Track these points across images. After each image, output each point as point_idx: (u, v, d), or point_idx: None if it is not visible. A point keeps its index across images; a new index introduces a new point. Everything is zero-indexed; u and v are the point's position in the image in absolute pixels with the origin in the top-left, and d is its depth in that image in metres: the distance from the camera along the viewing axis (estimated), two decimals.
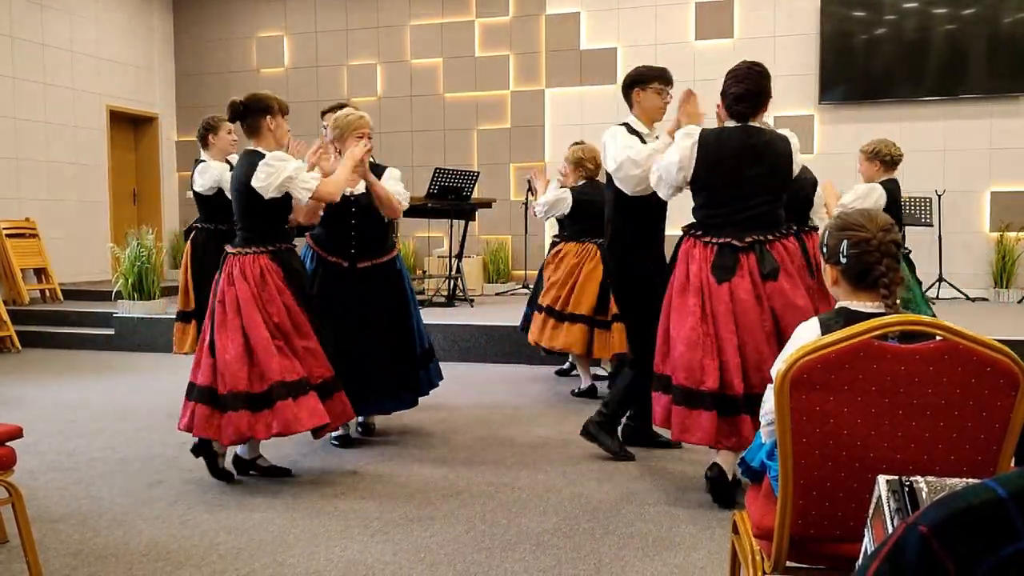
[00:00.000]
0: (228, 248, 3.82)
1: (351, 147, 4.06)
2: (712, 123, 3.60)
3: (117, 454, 4.26)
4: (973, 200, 8.77)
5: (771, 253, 3.32)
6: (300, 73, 10.80)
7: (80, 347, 7.86)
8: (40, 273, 9.16)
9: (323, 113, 4.86)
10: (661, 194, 3.60)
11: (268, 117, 3.78)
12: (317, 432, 3.73)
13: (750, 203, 3.35)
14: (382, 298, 4.28)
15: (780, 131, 3.50)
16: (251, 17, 11.01)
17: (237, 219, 3.84)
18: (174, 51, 11.37)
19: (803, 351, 1.73)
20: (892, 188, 4.85)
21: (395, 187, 4.26)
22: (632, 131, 3.98)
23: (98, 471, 3.96)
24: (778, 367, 1.78)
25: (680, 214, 4.68)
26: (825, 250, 2.06)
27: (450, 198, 7.88)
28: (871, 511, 1.47)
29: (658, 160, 3.59)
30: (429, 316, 7.12)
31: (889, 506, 1.39)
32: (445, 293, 8.37)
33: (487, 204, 8.72)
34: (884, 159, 4.89)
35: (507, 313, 7.13)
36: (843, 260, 1.98)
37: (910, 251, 5.13)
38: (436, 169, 7.84)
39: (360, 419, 4.53)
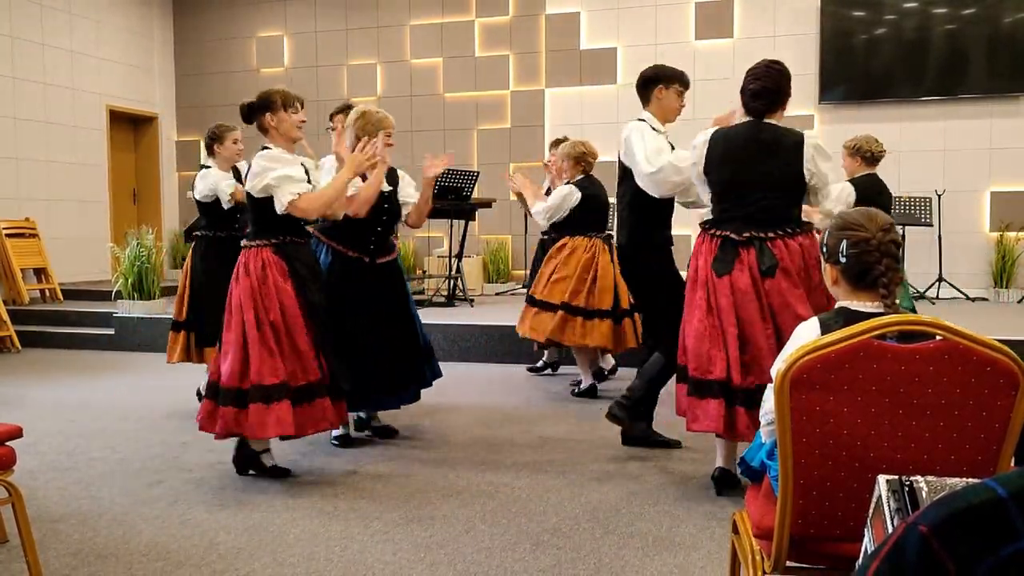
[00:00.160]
0: (242, 242, 3.84)
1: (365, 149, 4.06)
2: None
3: (117, 454, 4.26)
4: (973, 200, 8.77)
5: (771, 250, 3.32)
6: (300, 73, 10.80)
7: (80, 347, 7.86)
8: (40, 273, 9.16)
9: (332, 115, 4.78)
10: (702, 195, 3.65)
11: (268, 114, 3.74)
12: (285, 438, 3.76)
13: (753, 198, 3.37)
14: (395, 294, 4.33)
15: (799, 131, 3.45)
16: (251, 17, 11.01)
17: (248, 212, 3.87)
18: (174, 51, 11.37)
19: (803, 351, 1.73)
20: (869, 184, 4.87)
21: (413, 195, 4.36)
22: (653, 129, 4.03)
23: (98, 471, 3.96)
24: (778, 367, 1.78)
25: (684, 214, 4.69)
26: (825, 250, 2.06)
27: (450, 198, 7.88)
28: (871, 511, 1.47)
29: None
30: (429, 316, 7.12)
31: (889, 506, 1.39)
32: (445, 293, 8.37)
33: (487, 204, 8.72)
34: (865, 155, 4.95)
35: (507, 313, 7.13)
36: (843, 260, 1.98)
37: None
38: None
39: (363, 416, 4.52)
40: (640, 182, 3.91)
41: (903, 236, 7.36)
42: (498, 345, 6.71)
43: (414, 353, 4.35)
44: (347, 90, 10.53)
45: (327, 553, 2.95)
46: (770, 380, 3.34)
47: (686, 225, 6.20)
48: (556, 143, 6.09)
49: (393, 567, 2.83)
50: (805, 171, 3.37)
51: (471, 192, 8.09)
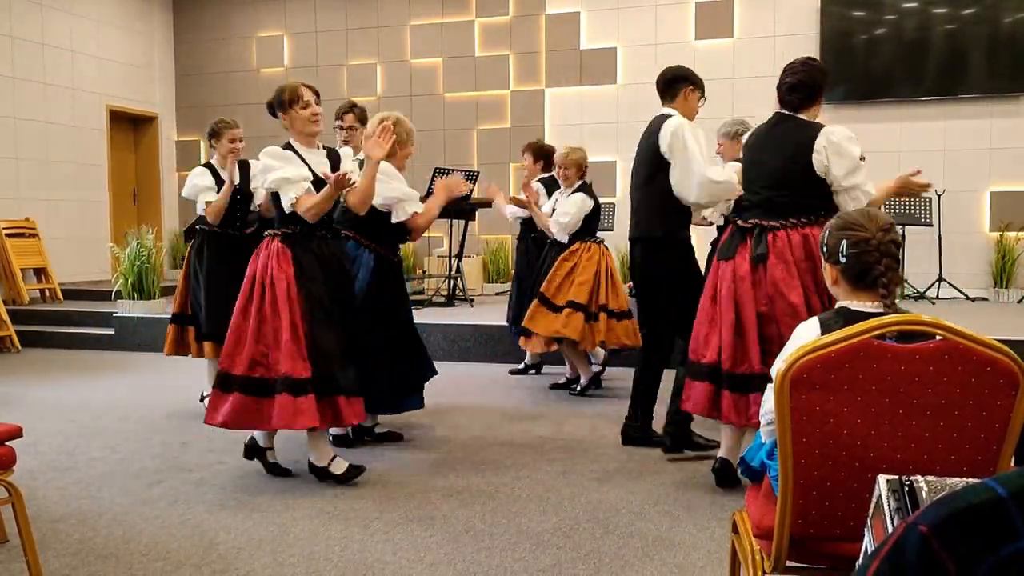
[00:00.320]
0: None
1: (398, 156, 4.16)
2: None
3: (117, 454, 4.26)
4: (973, 200, 8.77)
5: (765, 239, 3.38)
6: (300, 73, 10.78)
7: (80, 347, 7.86)
8: (40, 273, 9.16)
9: (342, 114, 4.72)
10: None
11: (280, 113, 3.74)
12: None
13: (759, 187, 3.48)
14: (405, 293, 4.40)
15: (821, 125, 3.45)
16: (251, 17, 11.01)
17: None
18: (174, 51, 11.37)
19: (803, 351, 1.73)
20: None
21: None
22: None
23: (98, 471, 3.96)
24: (778, 367, 1.78)
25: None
26: (825, 249, 2.06)
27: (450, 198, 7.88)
28: (871, 511, 1.47)
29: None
30: (429, 316, 7.13)
31: (889, 506, 1.39)
32: (445, 293, 8.37)
33: (487, 204, 8.70)
34: None
35: (507, 313, 7.12)
36: (842, 259, 1.98)
37: None
38: (436, 169, 7.85)
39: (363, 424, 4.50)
40: (692, 183, 3.92)
41: (903, 236, 7.36)
42: (498, 345, 6.71)
43: (422, 352, 4.38)
44: (347, 90, 10.52)
45: (327, 553, 2.95)
46: (758, 369, 3.39)
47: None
48: (531, 147, 6.09)
49: (393, 567, 2.83)
50: (816, 165, 3.35)
51: (471, 192, 8.09)
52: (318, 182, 3.65)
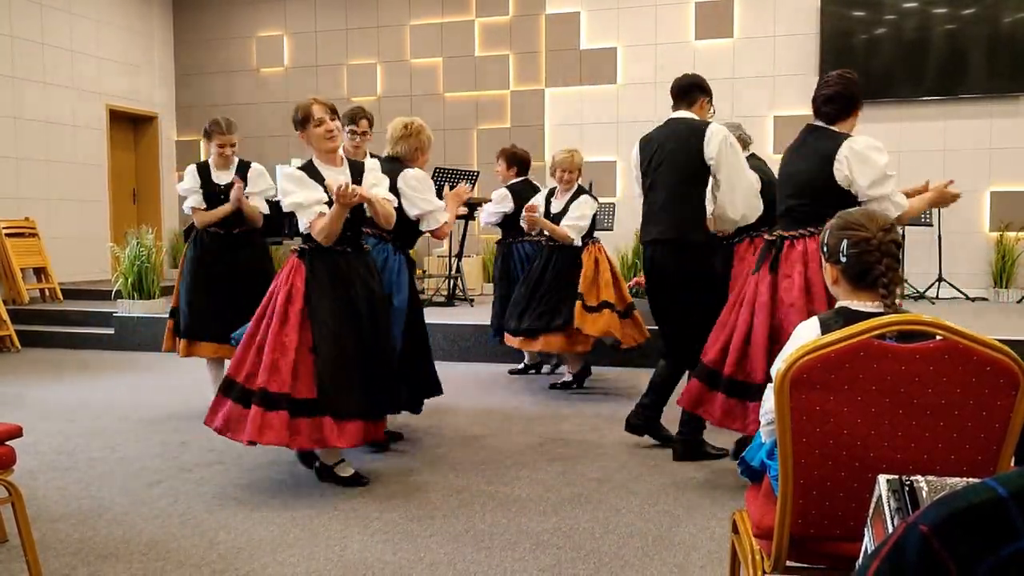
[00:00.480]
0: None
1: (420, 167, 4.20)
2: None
3: (117, 453, 4.26)
4: (973, 200, 8.77)
5: (782, 248, 3.46)
6: (300, 73, 10.80)
7: (80, 347, 7.86)
8: (40, 272, 9.16)
9: (357, 119, 4.62)
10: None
11: (300, 133, 3.72)
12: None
13: (784, 197, 3.55)
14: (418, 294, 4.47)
15: (846, 135, 3.45)
16: (251, 17, 11.00)
17: None
18: (174, 50, 11.37)
19: (803, 351, 1.73)
20: None
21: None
22: None
23: (98, 470, 3.96)
24: (778, 367, 1.78)
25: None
26: (825, 249, 2.06)
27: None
28: (871, 510, 1.47)
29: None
30: (429, 316, 7.11)
31: (889, 505, 1.39)
32: (445, 293, 8.37)
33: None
34: None
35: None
36: (843, 259, 1.98)
37: None
38: (436, 169, 7.84)
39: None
40: (737, 198, 3.97)
41: (903, 236, 7.36)
42: (498, 345, 6.71)
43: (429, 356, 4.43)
44: (347, 90, 10.53)
45: (327, 553, 2.95)
46: (758, 379, 3.41)
47: None
48: (504, 153, 6.08)
49: (393, 567, 2.83)
50: (837, 175, 3.35)
51: (471, 192, 8.09)
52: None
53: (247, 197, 4.87)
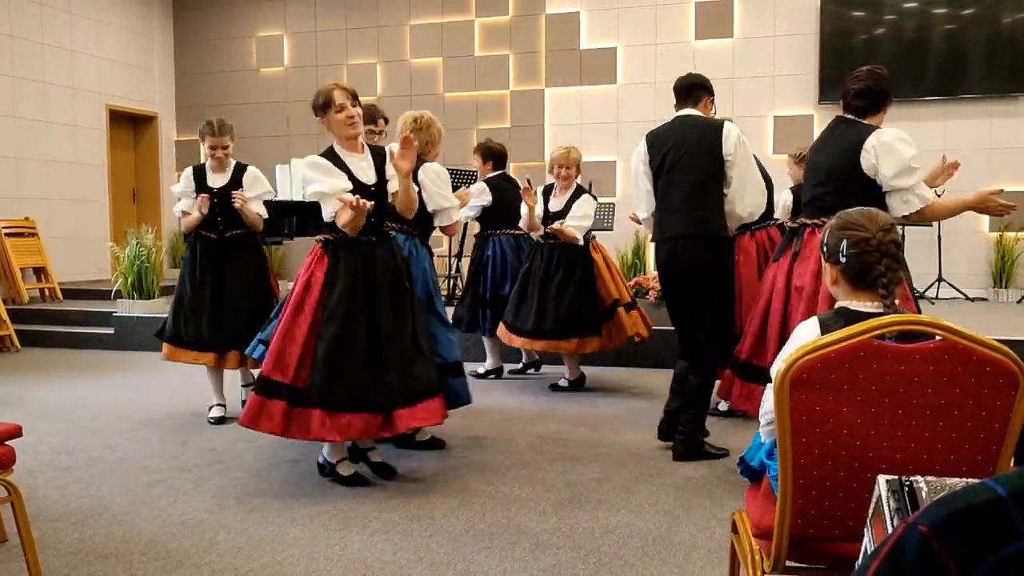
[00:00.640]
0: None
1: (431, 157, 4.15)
2: None
3: (116, 453, 4.25)
4: None
5: (802, 236, 3.53)
6: (300, 72, 10.80)
7: (80, 346, 7.86)
8: (39, 272, 9.16)
9: (376, 119, 4.61)
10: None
11: (320, 119, 3.68)
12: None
13: (810, 186, 3.60)
14: None
15: (873, 127, 3.49)
16: (251, 16, 11.00)
17: None
18: (174, 50, 11.37)
19: (803, 351, 1.73)
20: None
21: None
22: None
23: (97, 470, 3.96)
24: (778, 367, 1.78)
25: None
26: (825, 249, 2.06)
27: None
28: (871, 511, 1.47)
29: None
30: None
31: (889, 506, 1.39)
32: (445, 292, 8.37)
33: None
34: None
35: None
36: (843, 259, 1.98)
37: None
38: None
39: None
40: (746, 197, 4.04)
41: (903, 236, 7.35)
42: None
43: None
44: None
45: (327, 553, 2.95)
46: (769, 363, 3.46)
47: None
48: (479, 148, 6.08)
49: (393, 567, 2.83)
50: (863, 164, 3.39)
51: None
52: (360, 189, 3.57)
53: (245, 202, 4.77)
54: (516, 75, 10.12)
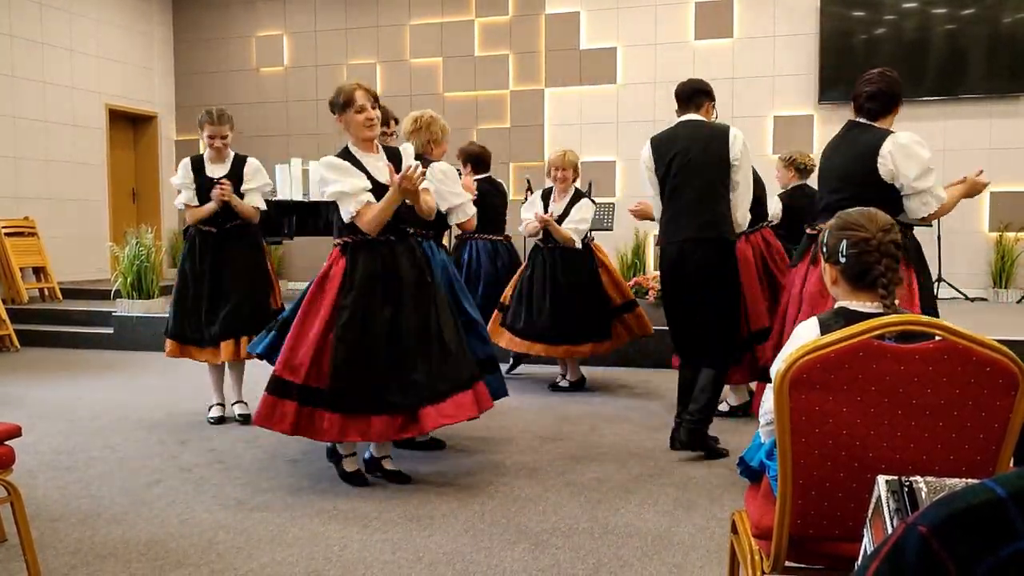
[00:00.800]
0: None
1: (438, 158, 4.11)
2: None
3: (116, 453, 4.25)
4: (972, 200, 8.74)
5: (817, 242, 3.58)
6: (299, 72, 10.79)
7: (79, 346, 7.85)
8: (39, 272, 9.16)
9: (387, 119, 4.58)
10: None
11: (337, 116, 3.62)
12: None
13: (826, 192, 3.61)
14: None
15: (889, 131, 3.55)
16: (250, 16, 11.00)
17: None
18: (173, 50, 11.37)
19: (802, 351, 1.73)
20: (800, 193, 5.30)
21: None
22: None
23: (97, 470, 3.96)
24: (777, 367, 1.78)
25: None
26: (825, 249, 2.05)
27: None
28: (870, 511, 1.46)
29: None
30: None
31: (888, 506, 1.39)
32: None
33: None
34: (799, 167, 5.39)
35: None
36: (842, 259, 1.98)
37: None
38: None
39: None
40: (750, 198, 4.13)
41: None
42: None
43: None
44: None
45: (326, 553, 2.95)
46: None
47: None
48: (460, 152, 5.96)
49: (392, 567, 2.82)
50: (881, 169, 3.42)
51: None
52: (378, 189, 3.52)
53: (243, 195, 4.74)
54: (516, 75, 10.12)
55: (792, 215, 5.13)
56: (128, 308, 7.69)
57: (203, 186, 4.75)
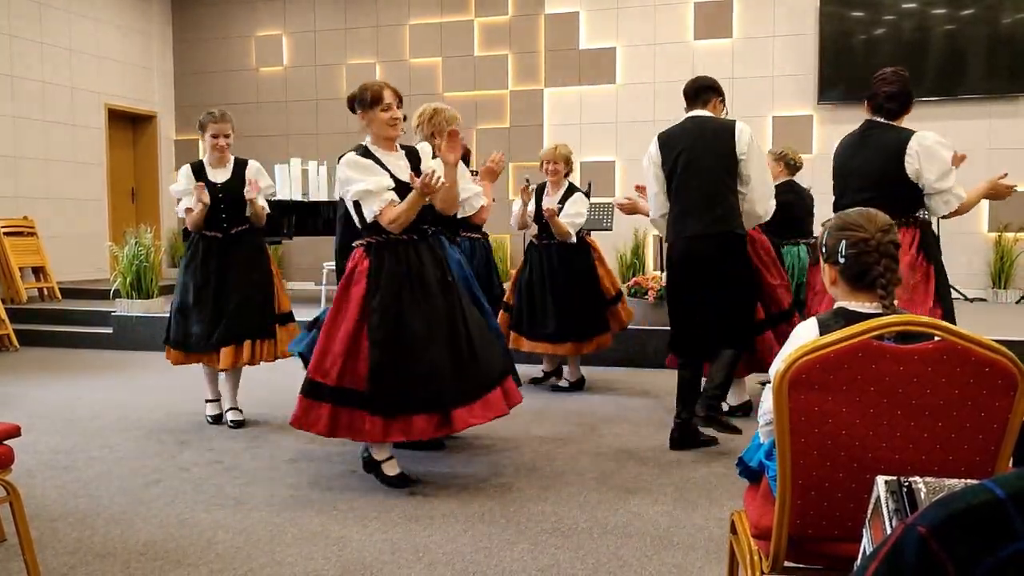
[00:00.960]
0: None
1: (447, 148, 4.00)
2: None
3: (115, 453, 4.25)
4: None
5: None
6: (299, 72, 10.79)
7: (78, 346, 7.85)
8: (38, 271, 9.15)
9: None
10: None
11: (360, 111, 3.58)
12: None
13: (853, 191, 3.63)
14: None
15: (911, 131, 3.60)
16: (250, 16, 11.00)
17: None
18: (173, 50, 11.36)
19: (802, 351, 1.73)
20: (788, 188, 5.28)
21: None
22: None
23: (96, 470, 3.95)
24: (776, 367, 1.78)
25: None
26: (824, 250, 2.06)
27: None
28: (869, 511, 1.46)
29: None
30: None
31: (887, 507, 1.39)
32: None
33: None
34: (789, 163, 5.41)
35: None
36: (841, 260, 1.98)
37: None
38: None
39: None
40: (767, 195, 4.13)
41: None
42: None
43: None
44: (346, 89, 10.50)
45: (325, 552, 2.95)
46: None
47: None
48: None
49: (391, 567, 2.82)
50: (908, 168, 3.52)
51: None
52: (400, 188, 3.50)
53: (259, 191, 4.68)
54: (515, 75, 10.12)
55: (780, 211, 5.13)
56: (127, 308, 7.69)
57: (210, 193, 4.64)
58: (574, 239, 5.41)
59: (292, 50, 10.87)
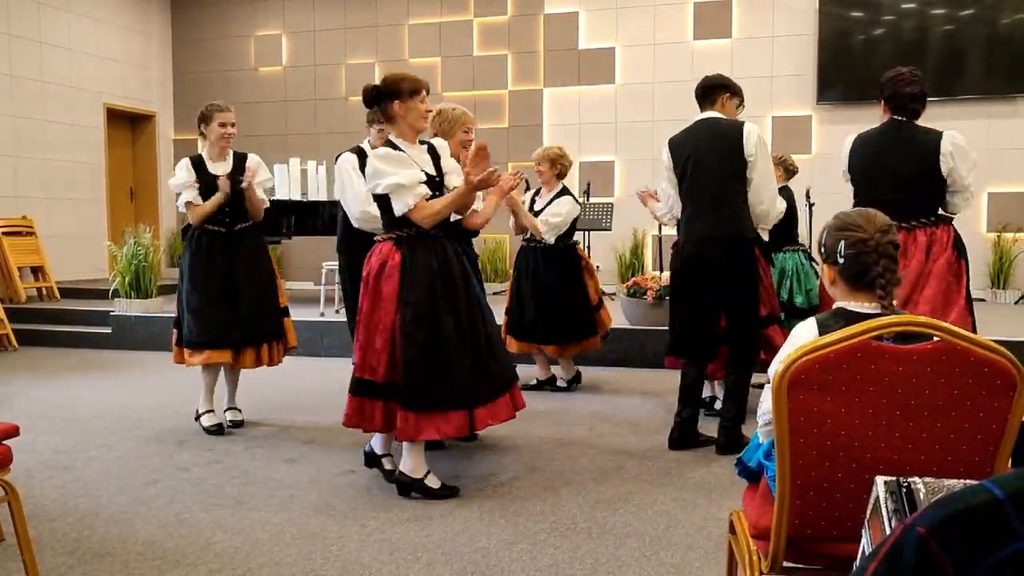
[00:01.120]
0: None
1: (464, 146, 3.95)
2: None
3: (114, 452, 4.25)
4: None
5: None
6: (298, 72, 10.79)
7: (77, 345, 7.85)
8: (37, 271, 9.15)
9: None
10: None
11: (397, 102, 3.49)
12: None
13: (887, 191, 3.65)
14: None
15: (939, 130, 3.71)
16: (249, 16, 11.00)
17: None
18: (172, 49, 11.36)
19: (801, 351, 1.73)
20: (783, 195, 5.19)
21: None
22: None
23: (95, 469, 3.95)
24: (776, 367, 1.78)
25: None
26: (823, 250, 2.06)
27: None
28: (868, 512, 1.46)
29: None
30: None
31: (887, 507, 1.39)
32: None
33: None
34: (788, 167, 5.51)
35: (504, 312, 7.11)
36: (841, 260, 1.98)
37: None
38: None
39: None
40: (772, 193, 4.13)
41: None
42: None
43: None
44: (345, 89, 10.52)
45: (324, 552, 2.95)
46: None
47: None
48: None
49: (390, 567, 2.82)
50: (942, 167, 3.61)
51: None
52: (428, 180, 3.46)
53: (253, 178, 4.62)
54: (514, 75, 10.12)
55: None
56: (126, 307, 7.69)
57: (207, 184, 4.59)
58: (550, 240, 5.35)
59: (291, 50, 10.87)
